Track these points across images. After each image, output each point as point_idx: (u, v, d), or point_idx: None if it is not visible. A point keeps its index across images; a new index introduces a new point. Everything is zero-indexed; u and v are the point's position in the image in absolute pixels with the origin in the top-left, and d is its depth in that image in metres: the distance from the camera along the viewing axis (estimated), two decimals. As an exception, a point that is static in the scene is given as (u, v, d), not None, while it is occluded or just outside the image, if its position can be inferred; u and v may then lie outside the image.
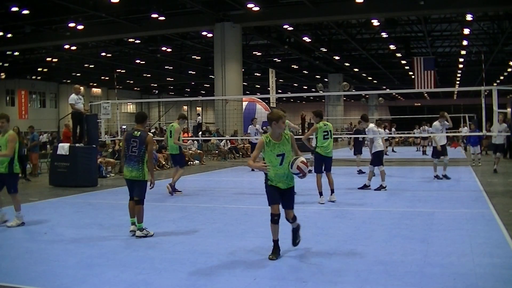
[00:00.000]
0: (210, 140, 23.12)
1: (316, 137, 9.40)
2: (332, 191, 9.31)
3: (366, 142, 14.57)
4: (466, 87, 43.66)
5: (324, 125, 9.39)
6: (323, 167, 9.35)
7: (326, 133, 9.27)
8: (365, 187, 10.98)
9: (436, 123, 12.59)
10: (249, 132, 19.04)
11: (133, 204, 6.60)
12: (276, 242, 5.50)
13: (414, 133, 26.06)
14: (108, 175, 15.10)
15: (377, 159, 10.92)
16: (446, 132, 12.88)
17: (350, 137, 15.50)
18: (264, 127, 26.37)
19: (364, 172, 14.30)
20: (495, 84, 38.60)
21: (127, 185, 6.68)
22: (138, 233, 6.50)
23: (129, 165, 6.51)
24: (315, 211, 8.53)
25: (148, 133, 6.73)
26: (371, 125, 11.24)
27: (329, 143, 9.32)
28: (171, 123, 11.53)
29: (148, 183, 6.64)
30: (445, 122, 12.57)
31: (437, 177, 12.79)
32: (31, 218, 8.26)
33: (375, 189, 10.76)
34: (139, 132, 6.54)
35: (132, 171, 6.49)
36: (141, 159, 6.49)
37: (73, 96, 12.95)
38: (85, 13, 22.26)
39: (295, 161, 5.40)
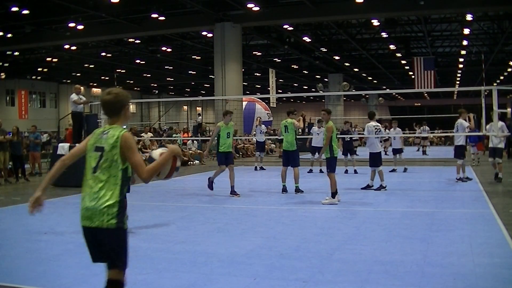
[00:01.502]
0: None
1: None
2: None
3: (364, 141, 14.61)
4: (466, 87, 43.65)
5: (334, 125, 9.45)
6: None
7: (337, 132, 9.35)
8: (368, 187, 10.98)
9: (462, 121, 12.19)
10: (254, 132, 19.01)
11: None
12: None
13: (419, 133, 25.92)
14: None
15: (373, 160, 10.91)
16: (446, 132, 12.73)
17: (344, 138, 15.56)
18: (267, 126, 26.38)
19: (358, 172, 14.46)
20: (495, 84, 38.60)
21: None
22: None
23: None
24: (315, 211, 8.53)
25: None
26: (371, 123, 11.18)
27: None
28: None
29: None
30: (464, 121, 12.14)
31: (461, 179, 12.28)
32: (31, 218, 8.26)
33: (375, 189, 10.76)
34: None
35: None
36: None
37: (73, 95, 12.97)
38: (85, 13, 22.25)
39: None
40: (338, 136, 15.90)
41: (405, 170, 15.12)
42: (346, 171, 14.86)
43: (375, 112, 12.15)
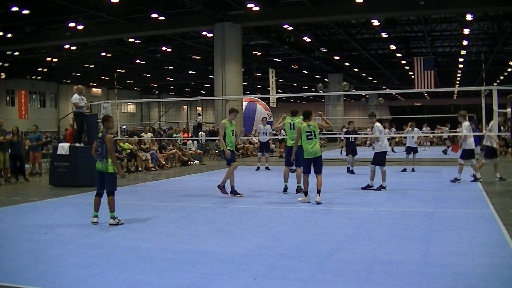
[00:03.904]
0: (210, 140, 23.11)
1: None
2: (318, 192, 9.13)
3: (369, 142, 14.52)
4: (466, 87, 43.68)
5: (308, 125, 9.33)
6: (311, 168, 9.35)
7: (309, 133, 9.22)
8: (368, 187, 10.95)
9: (466, 123, 12.16)
10: (258, 132, 18.95)
11: (99, 199, 7.52)
12: None
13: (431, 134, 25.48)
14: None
15: (379, 159, 10.87)
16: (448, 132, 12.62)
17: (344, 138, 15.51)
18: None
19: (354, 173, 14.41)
20: (495, 84, 38.61)
21: (97, 176, 7.55)
22: (111, 221, 7.32)
23: (98, 159, 7.56)
24: (315, 211, 8.52)
25: (108, 133, 7.63)
26: (378, 124, 11.19)
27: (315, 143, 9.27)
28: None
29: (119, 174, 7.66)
30: (466, 122, 12.04)
31: (456, 180, 12.10)
32: (31, 218, 8.27)
33: (375, 189, 10.74)
34: (101, 133, 7.63)
35: (98, 164, 7.53)
36: (105, 155, 7.47)
37: (75, 95, 12.95)
38: (85, 13, 22.26)
39: None
40: (344, 136, 15.91)
41: (413, 170, 15.12)
42: (350, 171, 14.75)
43: (375, 113, 12.13)
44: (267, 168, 16.73)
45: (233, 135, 10.26)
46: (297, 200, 9.46)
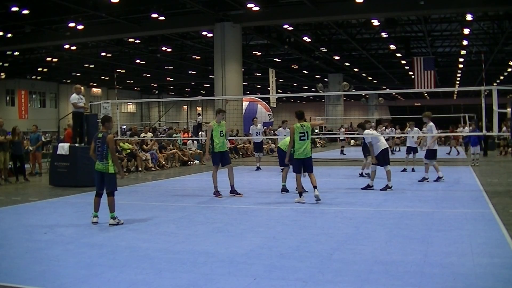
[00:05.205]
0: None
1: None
2: (315, 187, 9.16)
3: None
4: (466, 87, 43.67)
5: (302, 126, 9.31)
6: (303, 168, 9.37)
7: (302, 134, 9.21)
8: (368, 187, 10.94)
9: (431, 123, 12.45)
10: (250, 133, 19.03)
11: (99, 200, 7.56)
12: None
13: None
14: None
15: (382, 157, 10.83)
16: (446, 132, 12.63)
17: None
18: (265, 127, 26.38)
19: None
20: (495, 84, 38.57)
21: (96, 177, 7.55)
22: (111, 221, 7.34)
23: (98, 160, 7.54)
24: (315, 211, 8.53)
25: (109, 134, 7.64)
26: (366, 131, 11.20)
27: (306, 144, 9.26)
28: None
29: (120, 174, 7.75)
30: (431, 123, 12.38)
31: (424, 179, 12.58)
32: (31, 218, 8.27)
33: (381, 189, 10.67)
34: (102, 134, 7.60)
35: (99, 164, 7.53)
36: (105, 156, 7.48)
37: (74, 95, 12.93)
38: (85, 13, 22.26)
39: None
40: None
41: (413, 170, 15.10)
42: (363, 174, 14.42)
43: (363, 123, 12.13)
44: (258, 168, 16.61)
45: (222, 136, 10.29)
46: (294, 201, 9.39)
